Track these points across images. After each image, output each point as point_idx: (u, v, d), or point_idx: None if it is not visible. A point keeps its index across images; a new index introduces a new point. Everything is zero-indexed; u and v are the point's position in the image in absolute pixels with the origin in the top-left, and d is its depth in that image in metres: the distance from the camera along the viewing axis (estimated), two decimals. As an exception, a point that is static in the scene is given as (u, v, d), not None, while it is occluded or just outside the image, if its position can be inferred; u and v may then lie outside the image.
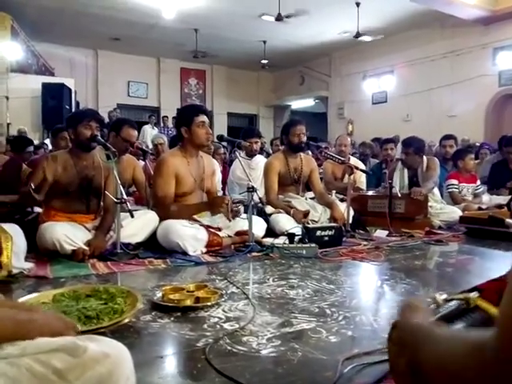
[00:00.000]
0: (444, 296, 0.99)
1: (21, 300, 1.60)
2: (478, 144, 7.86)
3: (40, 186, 2.71)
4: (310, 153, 5.45)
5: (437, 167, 4.34)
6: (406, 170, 4.38)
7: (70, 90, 9.87)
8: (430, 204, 4.06)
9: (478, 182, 4.79)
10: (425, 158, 4.42)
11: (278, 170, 3.80)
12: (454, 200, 4.52)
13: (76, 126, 2.87)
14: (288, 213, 3.56)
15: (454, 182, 4.62)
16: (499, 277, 1.01)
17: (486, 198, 4.85)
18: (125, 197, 2.67)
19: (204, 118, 3.11)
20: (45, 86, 9.32)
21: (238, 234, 3.16)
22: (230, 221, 3.05)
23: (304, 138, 3.80)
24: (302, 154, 3.94)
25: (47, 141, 7.74)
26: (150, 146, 9.07)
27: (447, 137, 5.36)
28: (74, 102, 10.44)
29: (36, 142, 7.19)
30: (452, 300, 0.96)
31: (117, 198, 2.68)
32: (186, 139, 3.13)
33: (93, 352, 0.85)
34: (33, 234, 2.64)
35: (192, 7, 9.74)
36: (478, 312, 0.88)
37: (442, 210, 4.12)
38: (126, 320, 1.53)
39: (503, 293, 0.90)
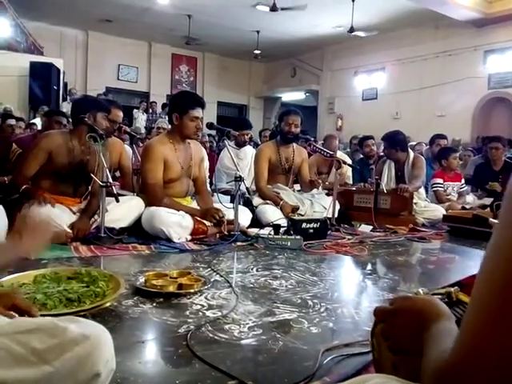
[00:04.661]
0: (426, 290, 1.01)
1: (1, 280, 1.58)
2: (463, 148, 7.90)
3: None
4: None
5: (423, 166, 4.35)
6: (392, 165, 4.42)
7: (58, 70, 9.70)
8: (414, 201, 4.09)
9: (463, 181, 4.83)
10: (412, 154, 4.44)
11: (269, 156, 3.79)
12: (438, 199, 4.55)
13: (96, 112, 2.90)
14: (277, 203, 3.56)
15: (439, 180, 4.65)
16: None
17: (469, 198, 4.91)
18: (111, 181, 2.65)
19: (199, 112, 3.06)
20: (33, 65, 9.14)
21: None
22: (223, 232, 3.02)
23: (295, 130, 3.76)
24: (294, 144, 3.94)
25: (36, 120, 7.62)
26: (142, 131, 9.01)
27: (440, 136, 5.34)
28: (62, 82, 10.27)
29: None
30: (434, 295, 0.97)
31: (102, 182, 2.65)
32: (175, 126, 3.11)
33: (72, 333, 0.84)
34: (16, 213, 2.59)
35: (186, -7, 9.64)
36: (461, 306, 0.89)
37: (426, 208, 4.16)
38: (108, 304, 1.52)
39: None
